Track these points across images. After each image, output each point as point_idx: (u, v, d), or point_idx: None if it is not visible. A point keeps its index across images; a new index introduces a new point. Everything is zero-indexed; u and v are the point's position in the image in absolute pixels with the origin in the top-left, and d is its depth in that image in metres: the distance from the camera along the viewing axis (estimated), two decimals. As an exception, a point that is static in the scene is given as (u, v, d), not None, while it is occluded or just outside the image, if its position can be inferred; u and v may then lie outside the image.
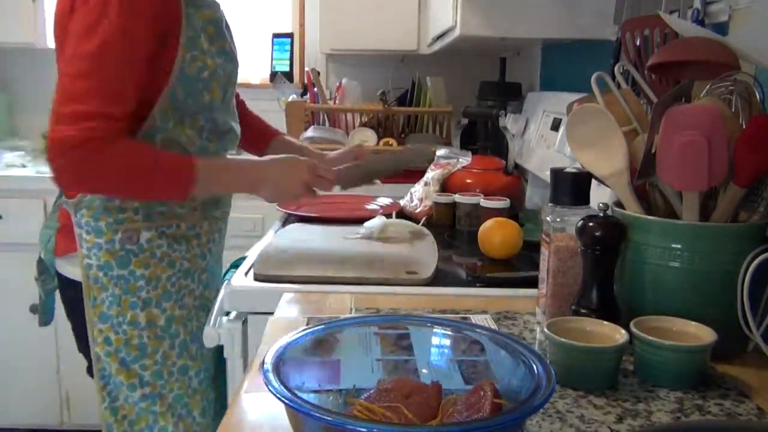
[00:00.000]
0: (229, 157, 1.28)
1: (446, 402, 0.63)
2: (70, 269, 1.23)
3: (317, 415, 0.53)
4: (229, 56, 1.22)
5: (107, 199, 1.16)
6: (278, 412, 0.70)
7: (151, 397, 1.20)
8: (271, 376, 0.58)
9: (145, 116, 1.12)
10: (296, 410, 0.54)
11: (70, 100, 1.04)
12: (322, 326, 0.69)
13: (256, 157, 1.28)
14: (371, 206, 1.77)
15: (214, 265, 1.33)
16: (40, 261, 1.29)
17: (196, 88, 1.15)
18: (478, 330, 0.71)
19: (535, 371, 0.59)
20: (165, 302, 1.20)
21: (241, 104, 1.51)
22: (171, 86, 1.12)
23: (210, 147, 1.21)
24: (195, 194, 1.14)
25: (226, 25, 1.27)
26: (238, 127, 1.30)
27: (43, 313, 1.37)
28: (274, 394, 0.55)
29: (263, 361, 0.60)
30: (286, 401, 0.54)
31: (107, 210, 1.16)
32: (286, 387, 0.56)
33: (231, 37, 1.27)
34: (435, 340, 0.71)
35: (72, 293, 1.23)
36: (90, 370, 1.24)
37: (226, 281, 1.18)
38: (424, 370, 0.70)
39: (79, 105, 1.03)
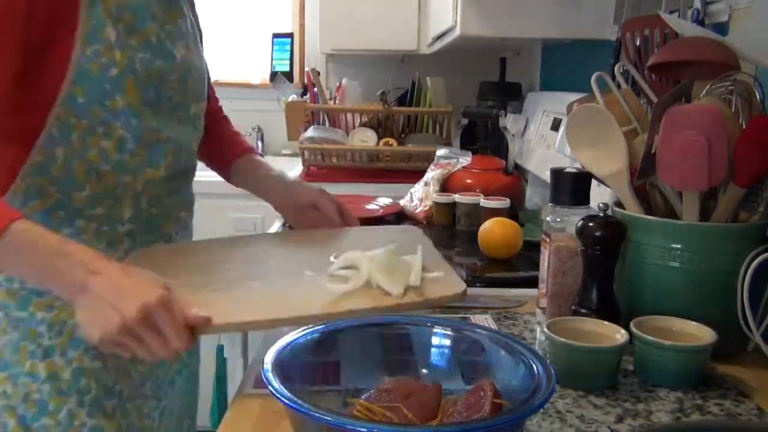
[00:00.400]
0: (61, 239, 0.84)
1: (446, 402, 0.63)
2: None
3: (317, 414, 0.53)
4: (158, 50, 0.96)
5: None
6: (278, 411, 0.70)
7: None
8: (270, 375, 0.58)
9: (40, 128, 0.89)
10: (296, 410, 0.54)
11: None
12: (322, 326, 0.69)
13: (93, 254, 0.81)
14: (371, 206, 1.77)
15: None
16: None
17: (102, 90, 0.91)
18: (477, 330, 0.71)
19: (535, 371, 0.59)
20: (72, 351, 0.93)
21: (213, 110, 1.25)
22: (67, 90, 0.89)
23: (132, 162, 0.95)
24: None
25: (184, 16, 1.05)
26: (188, 135, 1.06)
27: None
28: (274, 394, 0.55)
29: (263, 360, 0.60)
30: (286, 401, 0.54)
31: None
32: (286, 387, 0.56)
33: (181, 29, 1.04)
34: (435, 340, 0.71)
35: None
36: None
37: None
38: (424, 371, 0.69)
39: None
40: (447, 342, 0.71)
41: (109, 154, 0.94)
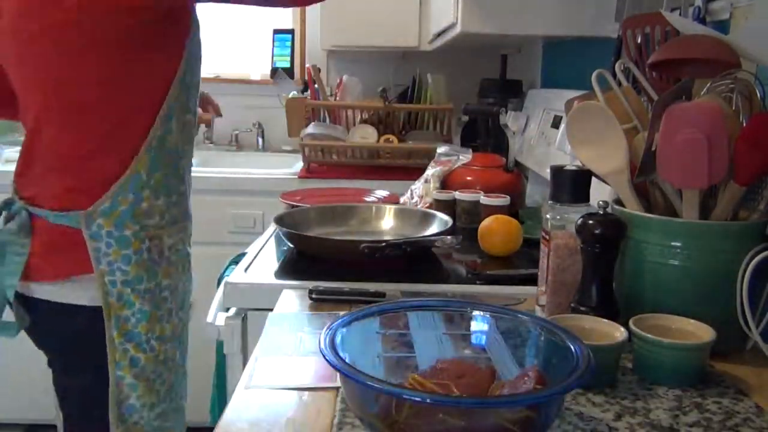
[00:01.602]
0: None
1: (495, 386, 0.65)
2: (70, 294, 1.08)
3: (369, 383, 0.56)
4: None
5: (134, 204, 1.07)
6: (278, 407, 0.70)
7: (163, 416, 1.15)
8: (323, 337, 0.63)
9: (159, 105, 1.08)
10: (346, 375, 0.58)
11: None
12: (389, 305, 0.74)
13: None
14: (369, 198, 1.77)
15: None
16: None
17: (195, 68, 1.19)
18: (520, 316, 0.73)
19: (574, 353, 0.62)
20: (181, 310, 1.18)
21: None
22: (183, 69, 1.14)
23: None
24: None
25: None
26: None
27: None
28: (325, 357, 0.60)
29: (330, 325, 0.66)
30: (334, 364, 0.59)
31: (134, 216, 1.08)
32: (338, 354, 0.61)
33: None
34: (495, 326, 0.73)
35: (76, 321, 1.09)
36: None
37: (226, 278, 1.18)
38: (485, 354, 0.72)
39: None
40: (505, 328, 0.73)
41: (192, 127, 1.17)
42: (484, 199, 1.50)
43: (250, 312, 1.13)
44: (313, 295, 1.01)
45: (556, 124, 1.76)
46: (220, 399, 1.32)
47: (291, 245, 1.33)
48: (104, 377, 1.09)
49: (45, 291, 1.09)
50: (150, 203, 1.09)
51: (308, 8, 2.87)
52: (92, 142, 1.06)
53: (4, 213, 1.12)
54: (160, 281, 1.12)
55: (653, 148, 0.83)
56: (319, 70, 2.58)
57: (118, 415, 1.10)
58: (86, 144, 1.06)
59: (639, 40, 1.00)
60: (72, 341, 1.12)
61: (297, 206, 1.66)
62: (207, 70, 2.94)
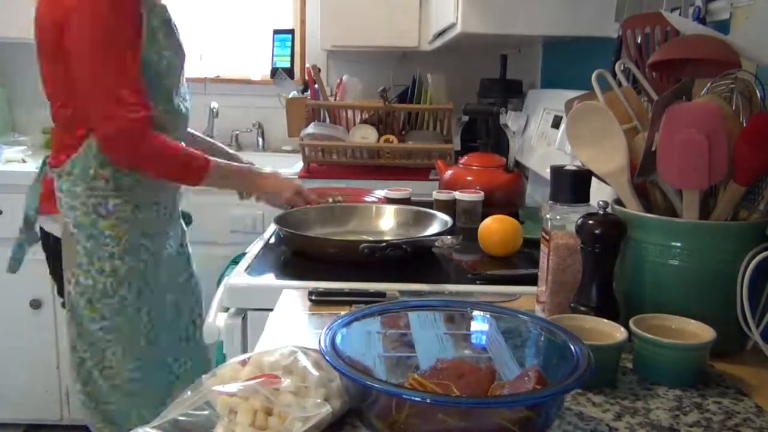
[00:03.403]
0: (232, 164, 1.58)
1: (495, 386, 0.65)
2: (51, 225, 1.50)
3: (369, 383, 0.56)
4: None
5: (83, 169, 1.41)
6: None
7: (106, 329, 1.46)
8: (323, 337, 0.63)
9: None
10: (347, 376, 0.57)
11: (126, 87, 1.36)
12: (389, 305, 0.74)
13: (253, 167, 1.61)
14: (369, 198, 1.77)
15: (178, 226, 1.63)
16: (26, 218, 1.54)
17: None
18: (520, 316, 0.73)
19: (574, 352, 0.62)
20: (127, 256, 1.46)
21: None
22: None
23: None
24: (204, 184, 1.45)
25: None
26: None
27: (15, 260, 1.59)
28: (325, 357, 0.60)
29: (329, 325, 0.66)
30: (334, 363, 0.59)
31: (84, 178, 1.41)
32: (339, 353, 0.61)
33: None
34: (496, 326, 0.74)
35: (53, 245, 1.50)
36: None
37: (226, 278, 1.18)
38: (485, 354, 0.72)
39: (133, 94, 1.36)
40: (506, 328, 0.73)
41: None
42: (458, 195, 1.56)
43: (250, 312, 1.13)
44: (313, 297, 1.01)
45: (556, 124, 1.76)
46: (220, 399, 1.33)
47: (291, 245, 1.33)
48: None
49: (40, 221, 1.54)
50: (96, 173, 1.41)
51: (308, 8, 2.88)
52: (66, 119, 1.44)
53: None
54: (102, 229, 1.44)
55: (653, 148, 0.83)
56: (319, 70, 2.58)
57: (70, 316, 1.50)
58: (66, 119, 1.44)
59: (639, 40, 1.00)
60: (50, 258, 1.54)
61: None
62: (207, 70, 2.94)
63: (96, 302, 1.45)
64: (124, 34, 1.34)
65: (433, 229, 1.40)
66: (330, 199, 1.69)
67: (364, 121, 2.41)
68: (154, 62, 1.41)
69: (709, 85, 0.86)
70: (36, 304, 2.37)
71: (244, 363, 0.67)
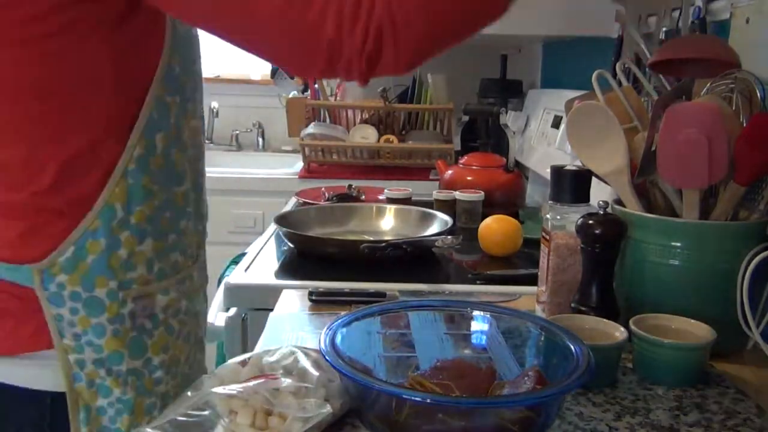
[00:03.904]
0: None
1: (495, 386, 0.65)
2: (23, 375, 0.78)
3: (369, 383, 0.56)
4: None
5: (105, 252, 0.76)
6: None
7: None
8: (323, 336, 0.62)
9: (136, 113, 0.77)
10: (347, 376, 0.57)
11: None
12: (389, 305, 0.74)
13: None
14: (382, 197, 1.77)
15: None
16: None
17: (189, 55, 0.86)
18: (520, 316, 0.73)
19: (574, 352, 0.62)
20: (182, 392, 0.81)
21: None
22: (166, 60, 0.80)
23: (201, 144, 0.93)
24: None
25: None
26: None
27: None
28: (325, 357, 0.60)
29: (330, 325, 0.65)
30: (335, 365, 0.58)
31: (109, 268, 0.76)
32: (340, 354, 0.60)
33: None
34: (496, 326, 0.73)
35: (29, 412, 0.79)
36: None
37: (226, 278, 1.18)
38: (486, 354, 0.72)
39: None
40: (506, 328, 0.73)
41: (195, 136, 0.86)
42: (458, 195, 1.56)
43: (250, 312, 1.13)
44: (313, 297, 1.01)
45: (556, 124, 1.76)
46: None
47: (291, 245, 1.33)
48: None
49: None
50: (131, 249, 0.78)
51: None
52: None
53: None
54: (151, 358, 0.81)
55: (653, 148, 0.83)
56: (320, 70, 2.57)
57: None
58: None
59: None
60: None
61: (308, 201, 1.69)
62: (207, 70, 2.94)
63: None
64: None
65: (433, 229, 1.40)
66: (350, 184, 1.73)
67: (364, 121, 2.41)
68: (179, 29, 0.83)
69: (709, 85, 0.86)
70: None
71: (244, 363, 0.67)
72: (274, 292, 1.07)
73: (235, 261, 1.31)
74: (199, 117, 0.89)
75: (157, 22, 0.77)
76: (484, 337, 0.73)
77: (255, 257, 1.28)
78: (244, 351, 1.14)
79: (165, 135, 0.80)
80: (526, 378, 0.63)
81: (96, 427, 0.79)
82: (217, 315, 1.15)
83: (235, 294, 1.14)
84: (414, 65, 0.72)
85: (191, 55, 0.85)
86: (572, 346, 0.63)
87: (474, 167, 1.72)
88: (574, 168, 0.90)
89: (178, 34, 0.80)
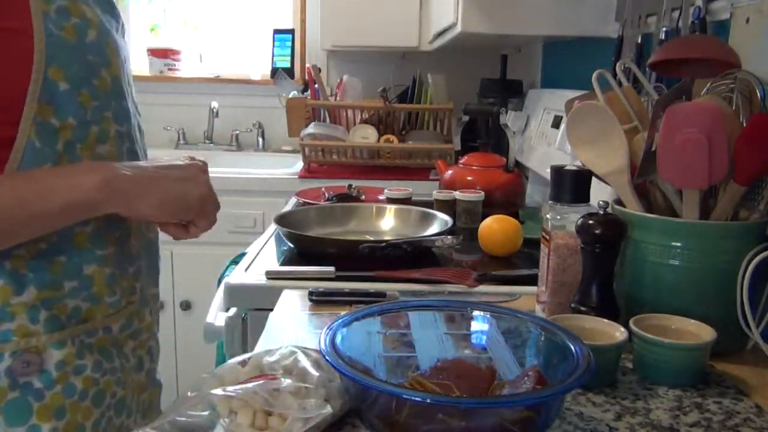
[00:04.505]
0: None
1: (496, 386, 0.65)
2: None
3: (370, 383, 0.56)
4: (108, 7, 0.77)
5: None
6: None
7: None
8: (323, 336, 0.62)
9: (12, 139, 0.65)
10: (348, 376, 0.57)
11: None
12: (389, 305, 0.74)
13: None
14: (382, 197, 1.78)
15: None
16: None
17: (86, 65, 0.70)
18: (520, 316, 0.73)
19: (574, 352, 0.62)
20: None
21: None
22: (40, 74, 0.65)
23: None
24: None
25: None
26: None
27: None
28: (325, 357, 0.59)
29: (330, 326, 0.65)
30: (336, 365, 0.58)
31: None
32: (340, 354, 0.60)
33: None
34: (496, 326, 0.73)
35: None
36: None
37: (226, 278, 1.18)
38: (486, 354, 0.72)
39: None
40: (506, 328, 0.73)
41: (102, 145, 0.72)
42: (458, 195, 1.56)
43: (250, 312, 1.13)
44: (313, 297, 1.01)
45: (556, 124, 1.76)
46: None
47: (291, 245, 1.33)
48: None
49: None
50: (4, 299, 0.67)
51: (309, 7, 2.88)
52: None
53: None
54: (37, 425, 0.68)
55: (653, 148, 0.83)
56: (319, 70, 2.58)
57: None
58: None
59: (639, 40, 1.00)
60: None
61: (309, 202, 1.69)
62: (207, 70, 2.94)
63: None
64: None
65: (433, 229, 1.39)
66: (350, 184, 1.74)
67: (364, 121, 2.41)
68: (61, 35, 0.66)
69: (709, 85, 0.86)
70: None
71: (243, 363, 0.67)
72: (273, 292, 1.07)
73: (235, 261, 1.31)
74: (117, 142, 0.74)
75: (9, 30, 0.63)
76: (484, 337, 0.73)
77: (255, 257, 1.28)
78: (244, 351, 1.14)
79: (53, 167, 0.67)
80: (526, 378, 0.63)
81: None
82: (217, 315, 1.15)
83: (235, 294, 1.14)
84: None
85: (89, 65, 0.69)
86: (572, 346, 0.63)
87: (474, 167, 1.72)
88: (574, 168, 0.90)
89: (56, 39, 0.65)
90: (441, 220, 1.41)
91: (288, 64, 2.87)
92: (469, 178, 1.69)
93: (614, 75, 0.93)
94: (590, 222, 0.82)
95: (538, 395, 0.57)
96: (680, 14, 1.13)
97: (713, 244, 0.80)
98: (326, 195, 1.81)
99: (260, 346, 0.85)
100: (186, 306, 2.34)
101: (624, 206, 0.87)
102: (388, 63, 2.81)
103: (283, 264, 1.28)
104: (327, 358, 0.60)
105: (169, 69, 2.87)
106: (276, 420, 0.59)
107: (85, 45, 0.67)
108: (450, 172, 1.75)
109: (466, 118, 2.33)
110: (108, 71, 0.71)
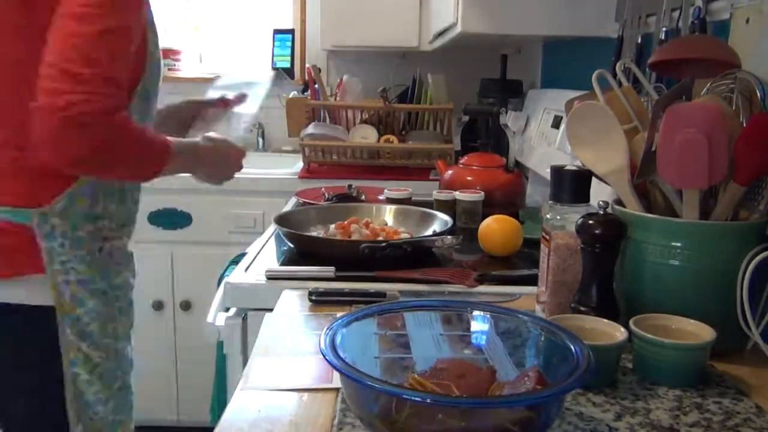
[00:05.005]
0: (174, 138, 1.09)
1: (496, 386, 0.65)
2: (15, 293, 1.04)
3: (370, 384, 0.56)
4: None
5: (88, 206, 1.04)
6: (278, 407, 0.70)
7: (117, 410, 1.11)
8: (323, 337, 0.63)
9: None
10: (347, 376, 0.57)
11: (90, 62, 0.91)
12: (389, 305, 0.74)
13: (195, 140, 1.18)
14: (381, 197, 1.78)
15: None
16: None
17: (154, 80, 1.11)
18: (520, 316, 0.73)
19: (574, 352, 0.62)
20: (130, 307, 1.14)
21: None
22: (146, 75, 1.07)
23: None
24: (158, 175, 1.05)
25: None
26: None
27: None
28: (326, 358, 0.60)
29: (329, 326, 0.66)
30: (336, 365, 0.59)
31: (88, 218, 1.05)
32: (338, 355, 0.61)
33: None
34: (496, 326, 0.74)
35: (12, 320, 1.05)
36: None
37: (226, 278, 1.18)
38: (485, 354, 0.72)
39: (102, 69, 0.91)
40: (505, 329, 0.73)
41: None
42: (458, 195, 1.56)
43: (250, 312, 1.13)
44: (313, 297, 1.01)
45: (556, 124, 1.76)
46: (220, 399, 1.33)
47: (291, 245, 1.33)
48: (52, 375, 1.05)
49: None
50: (104, 206, 1.06)
51: (309, 7, 2.88)
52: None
53: None
54: (111, 280, 1.09)
55: (653, 148, 0.83)
56: (319, 70, 2.58)
57: (76, 410, 1.06)
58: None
59: (639, 40, 1.00)
60: (12, 341, 1.07)
61: (309, 201, 1.69)
62: (208, 70, 2.94)
63: (109, 378, 1.09)
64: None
65: (434, 229, 1.40)
66: (350, 184, 1.76)
67: (364, 121, 2.41)
68: (153, 51, 1.08)
69: (709, 85, 0.86)
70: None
71: None
72: (273, 292, 1.07)
73: (235, 261, 1.31)
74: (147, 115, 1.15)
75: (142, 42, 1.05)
76: (484, 338, 0.73)
77: (255, 257, 1.28)
78: (244, 351, 1.14)
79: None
80: (526, 378, 0.63)
81: (77, 329, 1.05)
82: (216, 314, 1.15)
83: (235, 294, 1.14)
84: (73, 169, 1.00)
85: (159, 73, 1.13)
86: (572, 346, 0.63)
87: (474, 167, 1.72)
88: (574, 168, 0.90)
89: (152, 56, 1.09)
90: (441, 220, 1.41)
91: (288, 65, 2.87)
92: (469, 178, 1.69)
93: (614, 75, 0.93)
94: (590, 222, 0.82)
95: (538, 395, 0.57)
96: (680, 14, 1.13)
97: (713, 244, 0.80)
98: (326, 195, 1.81)
99: (259, 346, 0.85)
100: (186, 306, 2.34)
101: (624, 206, 0.87)
102: (388, 63, 2.81)
103: (282, 264, 1.28)
104: (327, 358, 0.60)
105: (169, 69, 2.86)
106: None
107: (156, 62, 1.10)
108: (450, 172, 1.75)
109: (466, 118, 2.33)
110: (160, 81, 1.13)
